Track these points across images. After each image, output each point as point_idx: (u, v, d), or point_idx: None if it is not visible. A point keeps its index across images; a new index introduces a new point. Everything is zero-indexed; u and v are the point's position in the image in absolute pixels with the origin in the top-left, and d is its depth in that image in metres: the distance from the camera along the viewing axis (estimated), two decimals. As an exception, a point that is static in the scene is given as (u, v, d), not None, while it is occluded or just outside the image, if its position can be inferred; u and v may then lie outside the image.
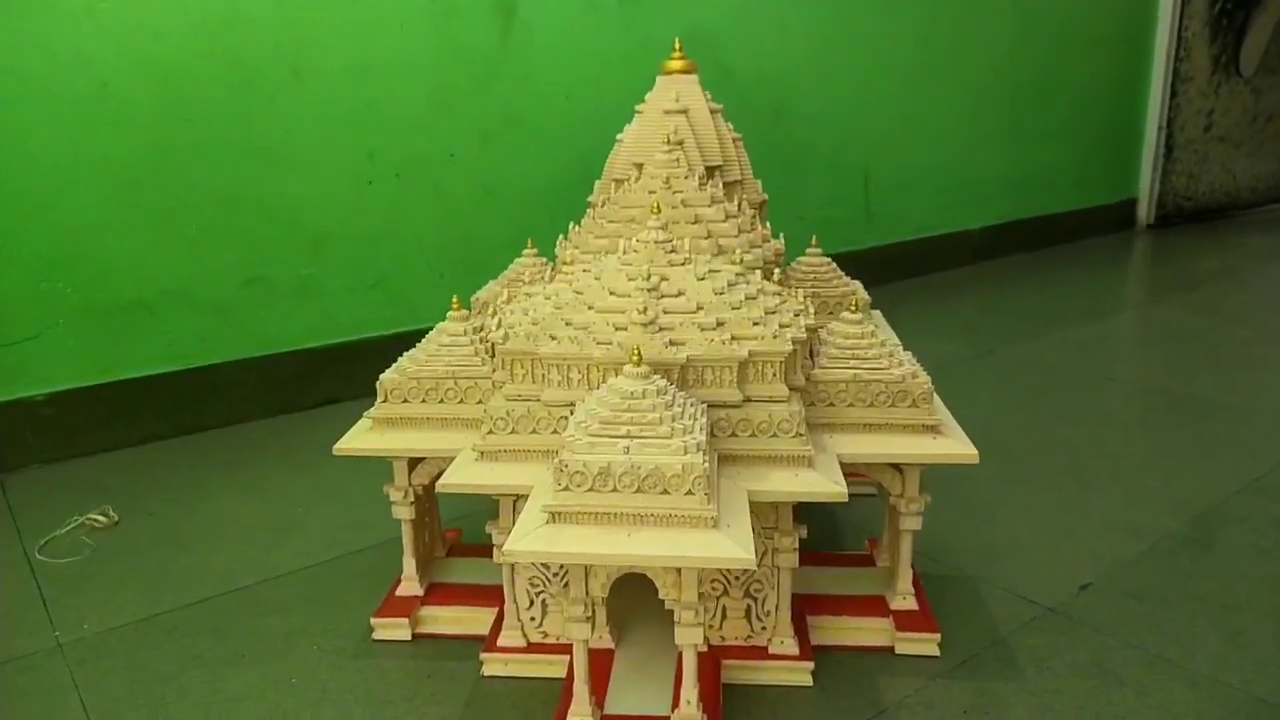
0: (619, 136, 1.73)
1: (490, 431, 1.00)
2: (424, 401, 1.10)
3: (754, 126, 2.59)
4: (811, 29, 2.59)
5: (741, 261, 1.24)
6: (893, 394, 1.05)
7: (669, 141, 1.42)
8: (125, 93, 1.65)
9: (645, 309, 0.98)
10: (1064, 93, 3.38)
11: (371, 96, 1.91)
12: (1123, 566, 1.27)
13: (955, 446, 1.03)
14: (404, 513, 1.14)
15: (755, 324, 1.00)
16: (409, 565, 1.17)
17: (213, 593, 1.26)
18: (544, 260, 1.55)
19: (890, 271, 3.00)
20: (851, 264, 2.86)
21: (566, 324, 1.01)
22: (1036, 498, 1.49)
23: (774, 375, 0.99)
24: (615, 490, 0.83)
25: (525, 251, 1.56)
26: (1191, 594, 1.20)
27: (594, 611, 0.92)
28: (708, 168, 1.71)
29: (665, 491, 0.83)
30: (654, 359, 0.95)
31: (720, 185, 1.71)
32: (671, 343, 0.97)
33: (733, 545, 0.81)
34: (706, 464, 0.84)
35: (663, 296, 1.02)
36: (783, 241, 1.51)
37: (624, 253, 1.11)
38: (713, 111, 1.76)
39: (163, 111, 1.69)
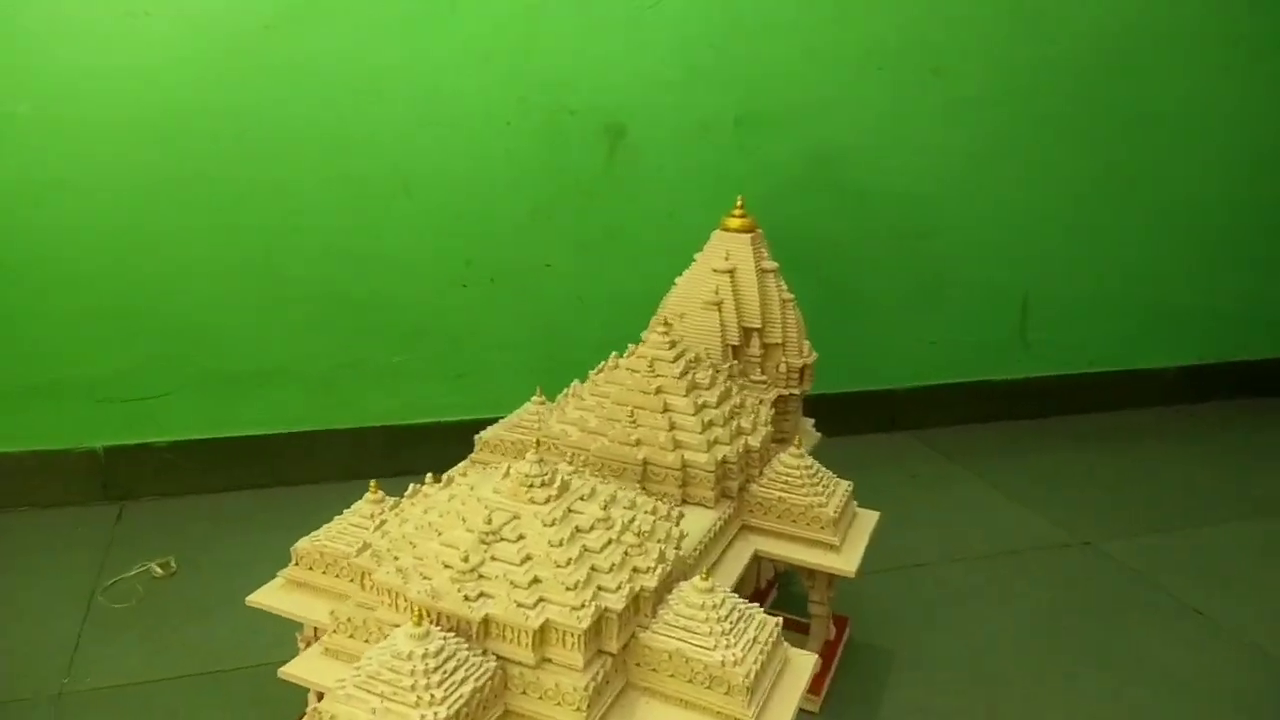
0: (677, 279, 1.80)
1: (334, 631, 1.13)
2: (325, 573, 1.26)
3: (891, 247, 2.48)
4: (963, 148, 2.43)
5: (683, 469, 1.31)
6: (709, 677, 1.05)
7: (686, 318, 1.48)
8: (240, 201, 1.94)
9: (467, 557, 1.06)
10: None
11: (475, 211, 2.09)
12: None
13: (751, 749, 1.02)
14: (307, 659, 1.30)
15: (569, 589, 1.04)
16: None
17: (194, 670, 1.49)
18: (548, 405, 1.65)
19: (1049, 406, 2.77)
20: (1004, 394, 2.70)
21: (413, 545, 1.11)
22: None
23: (572, 645, 1.03)
24: (353, 748, 0.93)
25: (533, 398, 1.67)
26: None
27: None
28: (745, 329, 1.73)
29: (392, 761, 0.91)
30: (452, 611, 1.02)
31: (759, 346, 1.74)
32: (482, 594, 1.05)
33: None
34: (432, 744, 0.91)
35: (500, 540, 1.09)
36: (760, 436, 1.52)
37: (505, 475, 1.18)
38: (765, 271, 1.77)
39: (276, 220, 1.97)
